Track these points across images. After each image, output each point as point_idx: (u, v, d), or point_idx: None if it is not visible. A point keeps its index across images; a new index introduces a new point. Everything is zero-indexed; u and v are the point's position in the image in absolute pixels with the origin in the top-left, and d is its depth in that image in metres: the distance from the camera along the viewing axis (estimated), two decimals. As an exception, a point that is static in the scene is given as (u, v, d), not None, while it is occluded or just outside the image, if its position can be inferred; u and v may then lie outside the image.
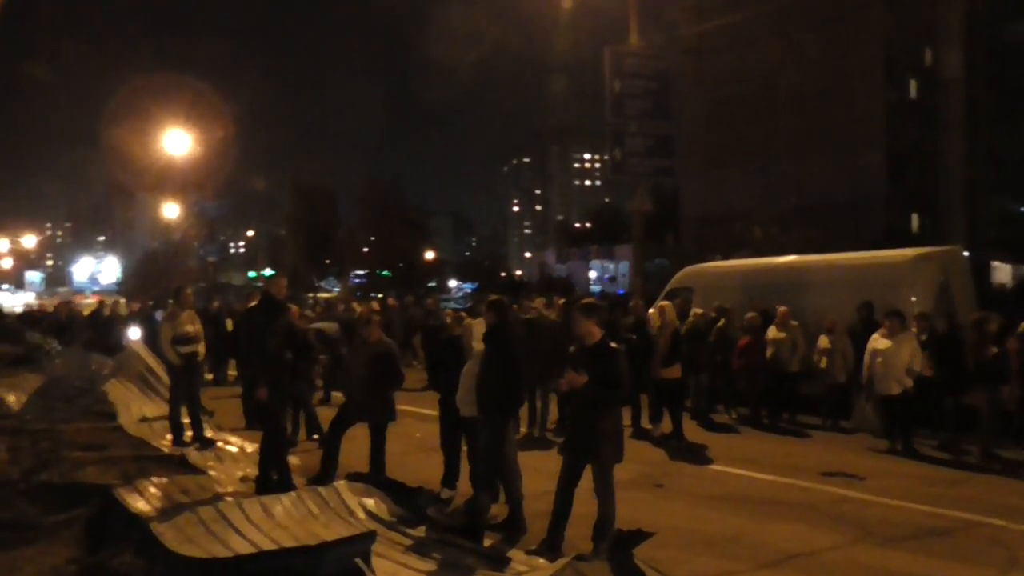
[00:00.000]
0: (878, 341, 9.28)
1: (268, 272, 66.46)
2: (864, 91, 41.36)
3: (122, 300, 25.35)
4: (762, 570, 5.42)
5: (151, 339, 12.49)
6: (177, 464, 7.88)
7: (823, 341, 10.80)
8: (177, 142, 36.91)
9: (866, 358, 9.44)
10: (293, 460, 8.04)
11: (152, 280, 55.54)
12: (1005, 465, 8.43)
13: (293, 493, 5.86)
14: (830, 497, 7.21)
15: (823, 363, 10.78)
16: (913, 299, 10.76)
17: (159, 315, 14.98)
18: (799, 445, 9.88)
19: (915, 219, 43.87)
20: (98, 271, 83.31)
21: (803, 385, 11.22)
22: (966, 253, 13.01)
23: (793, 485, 7.66)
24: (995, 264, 39.17)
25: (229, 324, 15.45)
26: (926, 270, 11.35)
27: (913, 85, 44.88)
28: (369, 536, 4.34)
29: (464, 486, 7.03)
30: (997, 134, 43.76)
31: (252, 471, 7.52)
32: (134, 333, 14.58)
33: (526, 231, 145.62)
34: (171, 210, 55.15)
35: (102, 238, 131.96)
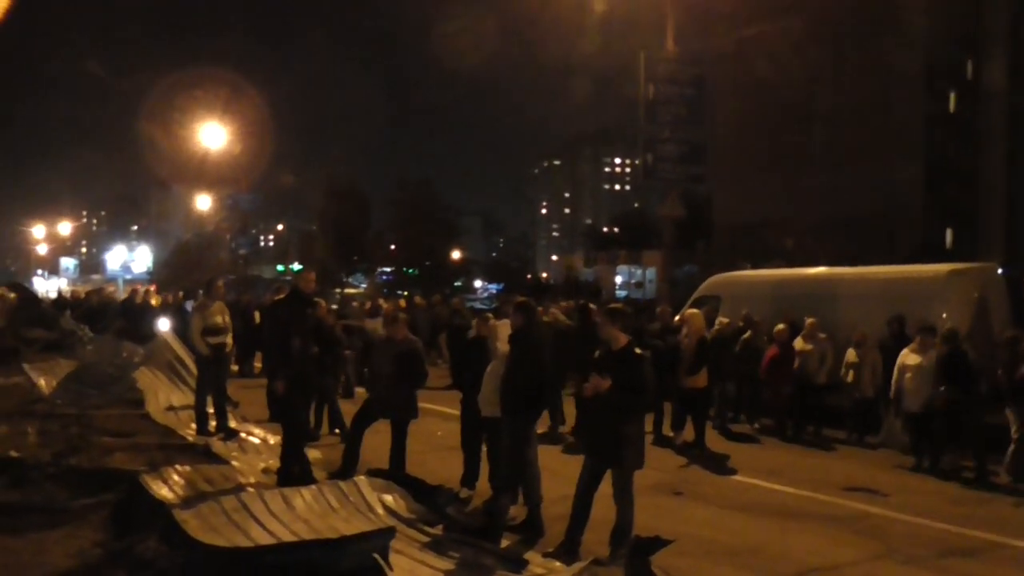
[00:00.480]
0: (908, 356, 9.13)
1: (297, 267, 67.23)
2: (903, 102, 40.78)
3: (152, 289, 25.76)
4: (781, 584, 5.37)
5: (181, 329, 12.69)
6: (201, 453, 8.01)
7: (851, 354, 10.65)
8: (213, 136, 37.51)
9: (895, 373, 9.30)
10: (315, 454, 8.13)
11: (184, 271, 56.39)
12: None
13: (314, 486, 5.91)
14: (853, 512, 7.12)
15: (851, 377, 10.63)
16: (945, 315, 10.57)
17: (189, 306, 15.22)
18: (823, 458, 9.76)
19: (949, 234, 43.13)
20: (131, 260, 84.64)
21: (829, 398, 11.07)
22: (1000, 271, 12.73)
23: (815, 499, 7.58)
24: (1031, 282, 38.31)
25: (257, 317, 15.63)
26: (960, 286, 11.14)
27: (953, 97, 44.15)
28: (388, 532, 4.38)
29: (483, 486, 7.05)
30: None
31: (274, 463, 7.61)
32: (164, 324, 14.79)
33: (554, 234, 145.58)
34: (204, 202, 56.03)
35: (136, 228, 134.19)
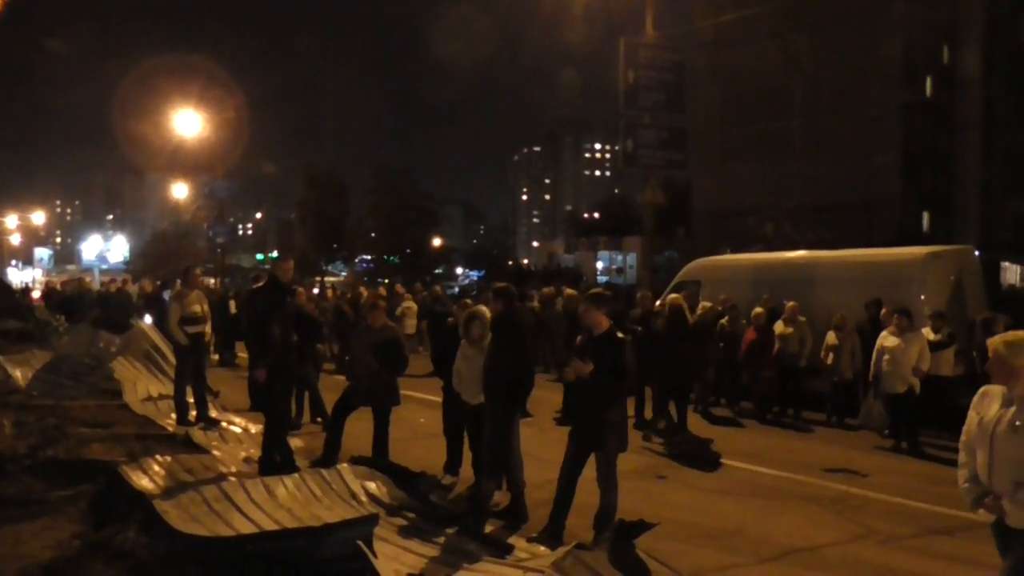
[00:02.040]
0: (886, 339, 9.22)
1: (275, 255, 66.63)
2: (880, 89, 41.00)
3: (128, 279, 25.45)
4: (764, 564, 5.41)
5: (159, 318, 12.55)
6: (181, 443, 7.92)
7: (831, 337, 10.74)
8: (188, 123, 36.95)
9: (874, 355, 9.39)
10: (296, 442, 8.08)
11: (161, 260, 55.72)
12: None
13: (296, 475, 5.87)
14: (833, 493, 7.19)
15: (831, 359, 10.73)
16: (923, 297, 10.69)
17: (167, 295, 15.06)
18: (803, 441, 9.85)
19: (926, 218, 43.59)
20: (107, 249, 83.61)
21: (809, 381, 11.17)
22: (977, 253, 12.88)
23: (796, 480, 7.65)
24: (1005, 265, 38.90)
25: (233, 306, 15.50)
26: (938, 269, 11.26)
27: (929, 84, 44.48)
28: (372, 519, 4.35)
29: (466, 473, 7.04)
30: (1014, 136, 43.34)
31: (255, 452, 7.55)
32: (147, 319, 14.64)
33: (535, 220, 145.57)
34: (180, 191, 55.29)
35: (111, 217, 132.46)
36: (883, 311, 10.08)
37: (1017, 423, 3.41)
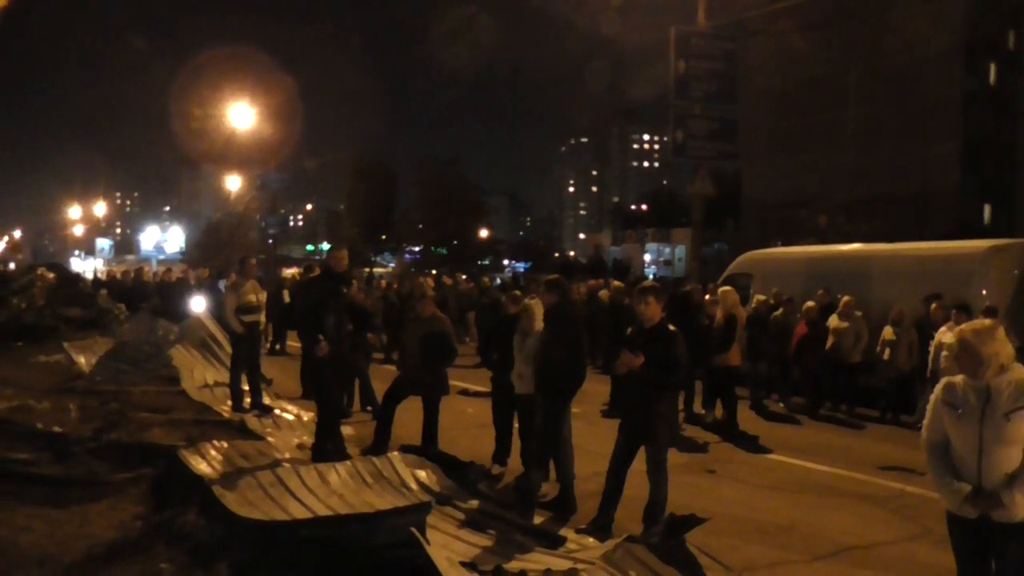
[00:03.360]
0: (945, 335, 8.97)
1: (326, 246, 67.62)
2: (941, 77, 39.68)
3: (186, 268, 26.13)
4: (816, 561, 5.33)
5: (215, 308, 12.86)
6: (237, 429, 8.12)
7: (888, 332, 10.49)
8: (242, 116, 37.70)
9: (931, 351, 9.15)
10: (347, 431, 8.21)
11: (214, 250, 57.08)
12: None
13: (348, 462, 5.97)
14: (888, 491, 7.04)
15: (887, 355, 10.48)
16: (984, 292, 10.36)
17: (222, 284, 15.41)
18: (857, 437, 9.65)
19: (987, 210, 42.13)
20: (164, 240, 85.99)
21: (864, 377, 10.93)
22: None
23: (850, 477, 7.50)
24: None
25: (287, 296, 15.79)
26: (1000, 262, 10.88)
27: (993, 70, 42.91)
28: (425, 507, 4.41)
29: (515, 463, 7.07)
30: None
31: (308, 439, 7.71)
32: (198, 304, 14.99)
33: (581, 212, 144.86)
34: (234, 182, 56.50)
35: (168, 208, 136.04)
36: (934, 307, 9.82)
37: (1004, 413, 3.30)
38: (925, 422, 3.64)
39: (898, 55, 40.06)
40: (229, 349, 10.48)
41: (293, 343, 15.76)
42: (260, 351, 10.39)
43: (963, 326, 3.54)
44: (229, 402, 9.57)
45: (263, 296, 10.15)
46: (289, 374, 11.78)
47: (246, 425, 8.26)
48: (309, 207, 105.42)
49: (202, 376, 11.02)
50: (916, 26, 39.21)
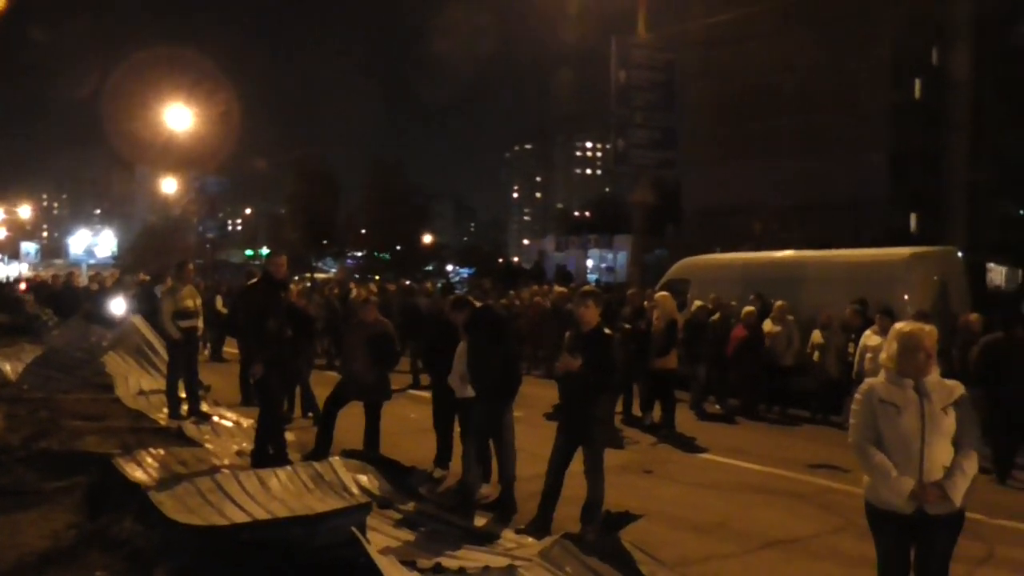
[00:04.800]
0: (870, 338, 9.37)
1: (266, 251, 66.35)
2: (869, 90, 41.31)
3: (116, 273, 25.35)
4: (747, 555, 5.55)
5: (150, 313, 12.58)
6: (174, 436, 8.00)
7: (817, 336, 10.90)
8: (179, 117, 36.86)
9: (856, 354, 9.55)
10: (288, 436, 8.13)
11: (150, 254, 55.51)
12: (988, 462, 8.53)
13: (289, 467, 5.95)
14: (816, 488, 7.33)
15: (816, 357, 10.88)
16: (907, 297, 10.86)
17: (158, 290, 15.07)
18: (789, 437, 10.00)
19: (914, 219, 43.93)
20: (94, 244, 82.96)
21: (796, 379, 11.33)
22: (960, 254, 13.07)
23: (781, 475, 7.79)
24: (991, 266, 39.29)
25: (219, 302, 15.54)
26: (921, 269, 11.44)
27: (919, 85, 44.82)
28: (365, 507, 4.45)
29: (456, 467, 7.14)
30: (1003, 137, 43.66)
31: (248, 445, 7.63)
32: (118, 307, 14.61)
33: (526, 218, 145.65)
34: (170, 185, 55.08)
35: (98, 211, 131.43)
36: (849, 311, 10.28)
37: (942, 408, 3.53)
38: (853, 423, 3.78)
39: (831, 68, 41.54)
40: (165, 355, 10.28)
41: (229, 349, 15.54)
42: (198, 357, 10.23)
43: (914, 326, 3.71)
44: (165, 409, 9.40)
45: (199, 301, 10.00)
46: (227, 381, 11.61)
47: (184, 432, 8.14)
48: (249, 211, 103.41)
49: (137, 383, 10.77)
50: (847, 41, 40.75)
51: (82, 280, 23.21)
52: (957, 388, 3.66)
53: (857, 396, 3.78)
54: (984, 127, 43.49)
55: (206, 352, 15.07)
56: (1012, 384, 7.76)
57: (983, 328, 9.27)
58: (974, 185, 43.76)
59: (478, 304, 6.82)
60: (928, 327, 3.73)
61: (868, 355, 9.28)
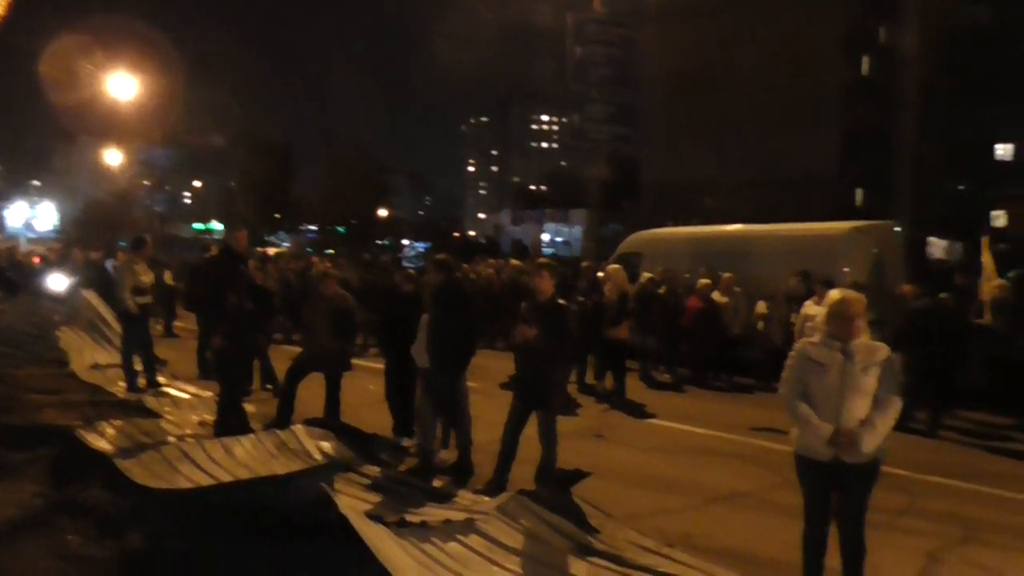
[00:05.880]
0: (809, 308, 9.81)
1: (217, 225, 65.22)
2: (820, 68, 42.06)
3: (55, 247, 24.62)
4: (692, 509, 5.93)
5: (103, 288, 12.47)
6: (134, 409, 8.05)
7: (762, 307, 11.36)
8: (122, 86, 35.68)
9: (797, 324, 10.00)
10: (248, 408, 8.24)
11: (96, 229, 54.08)
12: (933, 428, 9.04)
13: (252, 435, 6.12)
14: (757, 449, 7.76)
15: (761, 327, 11.34)
16: (846, 270, 11.35)
17: (110, 265, 14.88)
18: (734, 403, 10.46)
19: (859, 194, 45.18)
20: (33, 217, 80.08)
21: (742, 348, 11.79)
22: (897, 229, 13.65)
23: (725, 438, 8.22)
24: (931, 240, 40.73)
25: (168, 277, 15.41)
26: (860, 243, 11.94)
27: (867, 63, 45.84)
28: (333, 466, 4.66)
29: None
30: (948, 115, 45.05)
31: (209, 417, 7.75)
32: (56, 282, 14.40)
33: (482, 192, 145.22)
34: (114, 157, 53.47)
35: (37, 183, 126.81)
36: (793, 281, 10.74)
37: (863, 369, 3.94)
38: (784, 377, 4.19)
39: (785, 45, 42.19)
40: (119, 329, 10.26)
41: (180, 324, 15.48)
42: (151, 331, 10.23)
43: (844, 294, 4.10)
44: (122, 383, 9.42)
45: (152, 277, 10.01)
46: (183, 355, 11.62)
47: (144, 404, 8.22)
48: (198, 184, 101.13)
49: (92, 357, 10.75)
50: (800, 18, 41.41)
51: (23, 254, 22.64)
52: (882, 351, 4.04)
53: (791, 354, 4.16)
54: (931, 106, 44.82)
55: (159, 328, 14.96)
56: (935, 347, 8.32)
57: (916, 297, 9.79)
58: (920, 162, 45.17)
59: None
60: (857, 295, 4.10)
61: (809, 324, 9.72)
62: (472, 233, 78.87)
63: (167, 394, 9.10)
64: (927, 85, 44.28)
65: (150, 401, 8.43)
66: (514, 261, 16.14)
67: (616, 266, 11.35)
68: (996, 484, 6.76)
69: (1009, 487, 6.69)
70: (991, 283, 10.07)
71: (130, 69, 36.03)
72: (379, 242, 66.54)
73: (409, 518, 4.44)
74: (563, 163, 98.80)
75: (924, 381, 8.35)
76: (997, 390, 9.84)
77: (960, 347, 9.75)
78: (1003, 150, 48.70)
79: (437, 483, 6.08)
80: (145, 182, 54.05)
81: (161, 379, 9.78)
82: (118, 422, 6.76)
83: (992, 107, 46.40)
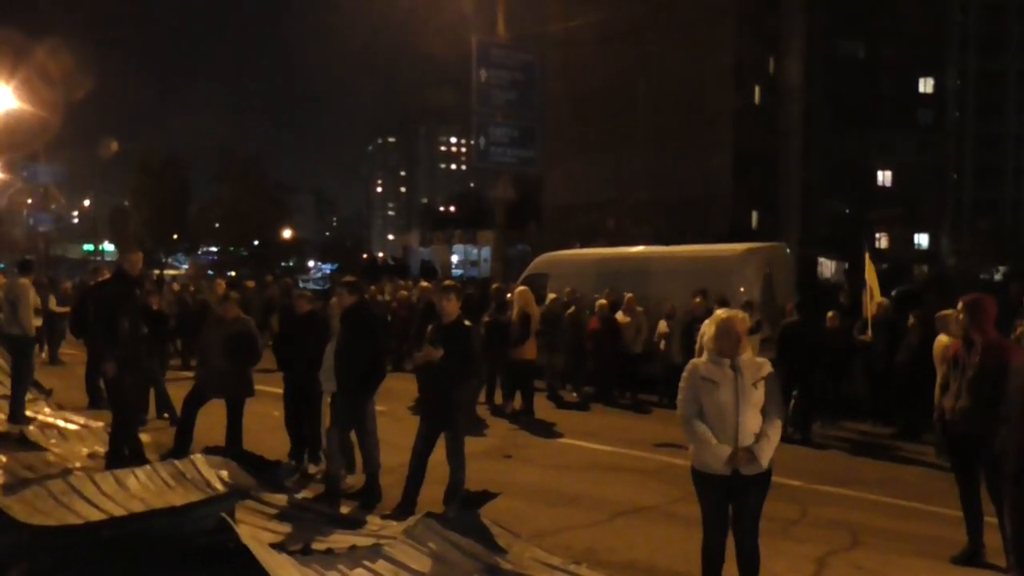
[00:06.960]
0: (708, 326, 10.21)
1: (108, 246, 62.10)
2: (714, 94, 44.09)
3: None
4: (597, 524, 6.05)
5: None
6: (16, 442, 7.57)
7: (663, 326, 11.73)
8: (-2, 96, 33.47)
9: (697, 341, 10.37)
10: (144, 438, 7.91)
11: (-27, 249, 50.62)
12: (805, 435, 9.53)
13: (147, 466, 5.87)
14: (659, 464, 8.00)
15: (663, 346, 11.72)
16: (742, 289, 11.90)
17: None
18: (638, 420, 10.75)
19: (755, 216, 47.42)
20: None
21: (645, 366, 12.13)
22: (788, 250, 14.42)
23: (629, 455, 8.43)
24: (821, 260, 43.15)
25: (52, 301, 14.61)
26: (753, 263, 12.55)
27: (758, 91, 48.36)
28: (232, 495, 4.52)
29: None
30: (830, 141, 48.02)
31: (100, 448, 7.38)
32: None
33: (390, 212, 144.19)
34: (-9, 173, 50.24)
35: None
36: (697, 300, 11.18)
37: (753, 383, 4.14)
38: (680, 398, 4.34)
39: (681, 72, 43.97)
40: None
41: (67, 351, 14.69)
42: (34, 359, 9.67)
43: (729, 313, 4.29)
44: (1, 415, 8.83)
45: (38, 301, 9.50)
46: (70, 383, 11.02)
47: (26, 437, 7.72)
48: (87, 203, 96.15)
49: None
50: (695, 47, 43.30)
51: None
52: (765, 366, 4.27)
53: (684, 375, 4.32)
54: (815, 131, 47.68)
55: (43, 355, 14.13)
56: (802, 359, 9.10)
57: (788, 315, 10.45)
58: (806, 185, 47.86)
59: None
60: (741, 314, 4.32)
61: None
62: (380, 254, 77.98)
63: (53, 425, 8.59)
64: (810, 112, 47.15)
65: (34, 433, 7.93)
66: (423, 283, 16.10)
67: (522, 288, 11.52)
68: (880, 491, 7.21)
69: (891, 493, 7.15)
70: (874, 301, 10.74)
71: (5, 78, 33.84)
72: (284, 263, 64.93)
73: (315, 546, 4.37)
74: (471, 184, 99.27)
75: (791, 389, 8.98)
76: (879, 402, 10.53)
77: (842, 362, 10.47)
78: (883, 176, 52.36)
79: (344, 509, 5.98)
80: (28, 200, 51.00)
81: (47, 409, 9.24)
82: (-2, 457, 6.34)
83: (870, 133, 49.92)
